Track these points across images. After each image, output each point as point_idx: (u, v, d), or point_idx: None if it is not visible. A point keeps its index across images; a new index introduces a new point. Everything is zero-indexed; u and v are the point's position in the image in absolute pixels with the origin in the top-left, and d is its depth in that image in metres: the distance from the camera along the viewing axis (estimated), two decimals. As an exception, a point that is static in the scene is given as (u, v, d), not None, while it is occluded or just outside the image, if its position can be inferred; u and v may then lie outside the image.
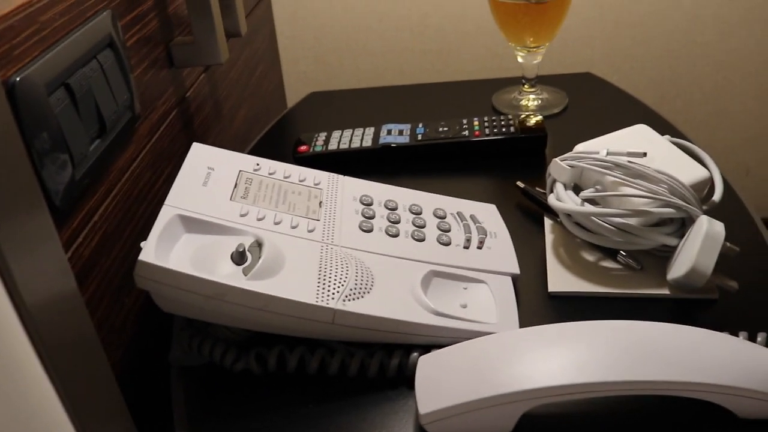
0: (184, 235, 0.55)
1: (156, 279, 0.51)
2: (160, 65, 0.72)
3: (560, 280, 0.62)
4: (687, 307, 0.59)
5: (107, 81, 0.57)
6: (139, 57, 0.66)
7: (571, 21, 1.27)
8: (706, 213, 0.62)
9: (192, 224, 0.56)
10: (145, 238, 0.52)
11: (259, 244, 0.55)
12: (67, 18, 0.53)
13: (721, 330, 0.52)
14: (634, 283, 0.61)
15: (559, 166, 0.65)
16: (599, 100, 0.96)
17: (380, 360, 0.53)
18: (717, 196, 0.66)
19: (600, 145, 0.66)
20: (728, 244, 0.60)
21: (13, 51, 0.46)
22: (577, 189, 0.66)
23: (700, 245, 0.56)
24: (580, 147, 0.67)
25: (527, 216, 0.72)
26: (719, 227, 0.57)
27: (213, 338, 0.56)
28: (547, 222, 0.69)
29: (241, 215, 0.57)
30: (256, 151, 0.89)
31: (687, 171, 0.64)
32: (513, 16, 0.87)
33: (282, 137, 0.92)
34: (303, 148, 0.83)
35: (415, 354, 0.53)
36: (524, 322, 0.57)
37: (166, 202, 0.56)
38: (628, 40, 1.29)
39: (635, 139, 0.68)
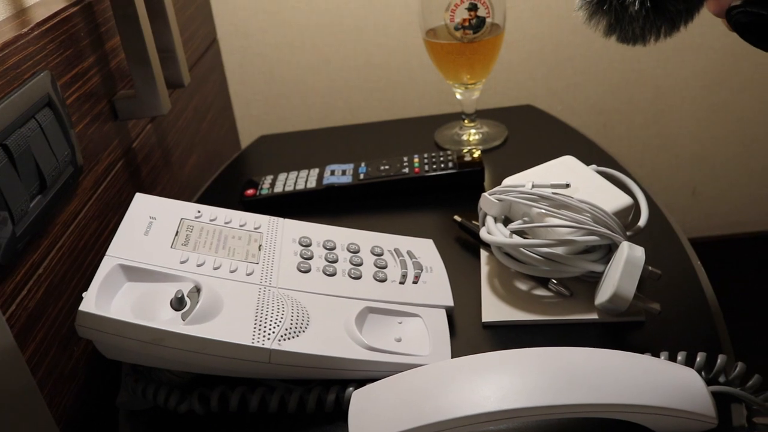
0: (126, 283, 0.57)
1: (97, 328, 0.53)
2: (104, 119, 0.74)
3: (494, 309, 0.64)
4: (615, 330, 0.62)
5: (47, 139, 0.59)
6: (81, 113, 0.69)
7: (512, 55, 1.32)
8: (631, 238, 0.65)
9: (133, 273, 0.58)
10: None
11: (197, 290, 0.57)
12: (3, 81, 0.55)
13: (645, 351, 0.55)
14: (565, 309, 0.64)
15: (488, 200, 0.68)
16: (539, 132, 0.99)
17: (318, 396, 0.56)
18: (642, 221, 0.69)
19: (527, 178, 0.69)
20: (650, 268, 0.63)
21: (-51, 117, 0.48)
22: (508, 221, 0.69)
23: (621, 270, 0.58)
24: (508, 181, 0.70)
25: (464, 248, 0.74)
26: (639, 252, 0.60)
27: (157, 382, 0.58)
28: (483, 254, 0.72)
29: (181, 262, 0.60)
30: (206, 196, 0.92)
31: (610, 199, 0.67)
32: (447, 56, 0.91)
33: (232, 181, 0.94)
34: (250, 191, 0.86)
35: (351, 388, 0.55)
36: (459, 352, 0.59)
37: (107, 252, 0.58)
38: (568, 70, 1.34)
39: (561, 170, 0.71)
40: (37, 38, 0.61)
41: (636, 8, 0.53)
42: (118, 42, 0.79)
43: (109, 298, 0.55)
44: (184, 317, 0.54)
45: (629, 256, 0.59)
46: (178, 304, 0.55)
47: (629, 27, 0.55)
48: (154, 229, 0.62)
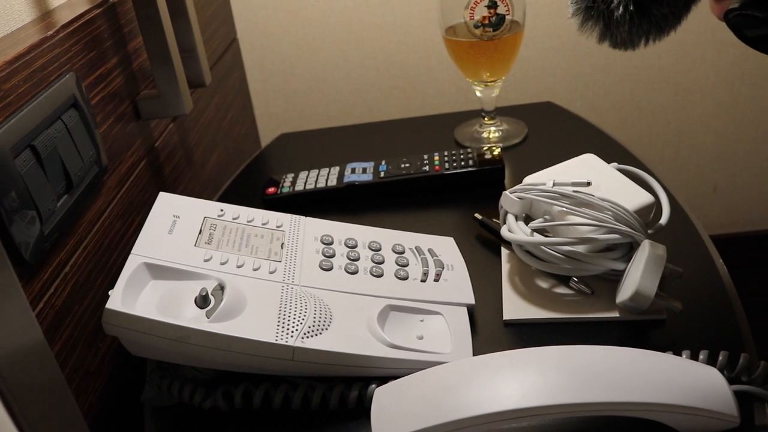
0: (150, 281, 0.58)
1: (123, 325, 0.54)
2: (127, 119, 0.75)
3: (515, 307, 0.65)
4: (636, 328, 0.62)
5: (72, 139, 0.60)
6: (105, 113, 0.70)
7: (531, 52, 1.31)
8: (652, 236, 0.65)
9: (158, 271, 0.59)
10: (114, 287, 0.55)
11: (221, 288, 0.58)
12: (30, 83, 0.56)
13: (667, 349, 0.55)
14: (586, 307, 0.64)
15: (509, 198, 0.68)
16: (559, 129, 0.99)
17: (340, 393, 0.56)
18: (664, 219, 0.68)
19: (547, 176, 0.69)
20: (671, 266, 0.63)
21: (-21, 119, 0.49)
22: (529, 219, 0.69)
23: (643, 269, 0.58)
24: (528, 179, 0.70)
25: (485, 246, 0.75)
26: (661, 250, 0.59)
27: (182, 378, 0.58)
28: (504, 252, 0.72)
29: (205, 260, 0.60)
30: (227, 195, 0.92)
31: (631, 197, 0.67)
32: (467, 53, 0.91)
33: (253, 179, 0.95)
34: (271, 190, 0.86)
35: (373, 386, 0.55)
36: (480, 350, 0.60)
37: (132, 251, 0.59)
38: (588, 67, 1.34)
39: (582, 168, 0.71)
40: (62, 40, 0.62)
41: (620, 12, 0.53)
42: (140, 43, 0.80)
43: (135, 296, 0.56)
44: (208, 315, 0.55)
45: (651, 254, 0.59)
46: (202, 301, 0.56)
47: (617, 31, 0.56)
48: (177, 228, 0.63)
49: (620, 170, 0.72)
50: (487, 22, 0.87)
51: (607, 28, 0.56)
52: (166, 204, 0.66)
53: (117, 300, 0.54)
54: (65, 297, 0.59)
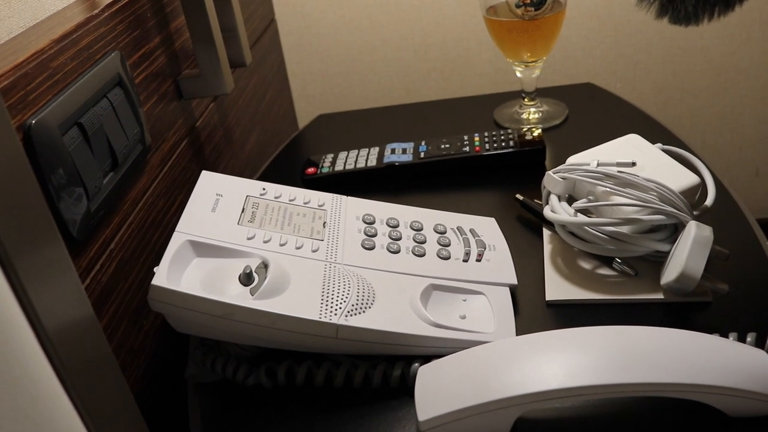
0: (194, 259, 0.58)
1: (168, 301, 0.54)
2: (170, 98, 0.75)
3: (558, 288, 0.64)
4: (681, 310, 0.61)
5: (117, 117, 0.60)
6: (149, 92, 0.70)
7: (572, 32, 1.30)
8: (698, 218, 0.64)
9: (202, 249, 0.59)
10: (159, 264, 0.56)
11: (265, 266, 0.58)
12: (77, 62, 0.56)
13: (713, 331, 0.54)
14: (629, 289, 0.63)
15: (552, 179, 0.67)
16: (600, 110, 0.98)
17: (383, 371, 0.56)
18: (709, 200, 0.67)
19: (591, 157, 0.69)
20: (717, 247, 0.62)
21: (28, 96, 0.49)
22: (572, 200, 0.68)
23: (689, 250, 0.57)
24: (572, 159, 0.70)
25: (527, 227, 0.74)
26: (708, 232, 0.59)
27: (225, 355, 0.59)
28: (546, 233, 0.71)
29: (248, 238, 0.61)
30: (266, 175, 0.93)
31: (677, 178, 0.66)
32: (508, 33, 0.90)
33: (292, 160, 0.95)
34: (311, 170, 0.86)
35: (416, 364, 0.55)
36: (523, 330, 0.59)
37: (176, 228, 0.60)
38: (628, 48, 1.32)
39: (626, 148, 0.70)
40: (107, 19, 0.63)
41: None
42: (182, 22, 0.80)
43: (180, 273, 0.56)
44: (252, 292, 0.55)
45: (697, 236, 0.58)
46: (246, 279, 0.56)
47: (681, 5, 0.54)
48: (220, 206, 0.63)
49: (665, 151, 0.71)
50: (528, 1, 0.86)
51: (670, 2, 0.54)
52: (209, 182, 0.66)
53: (162, 276, 0.54)
54: (110, 274, 0.59)
